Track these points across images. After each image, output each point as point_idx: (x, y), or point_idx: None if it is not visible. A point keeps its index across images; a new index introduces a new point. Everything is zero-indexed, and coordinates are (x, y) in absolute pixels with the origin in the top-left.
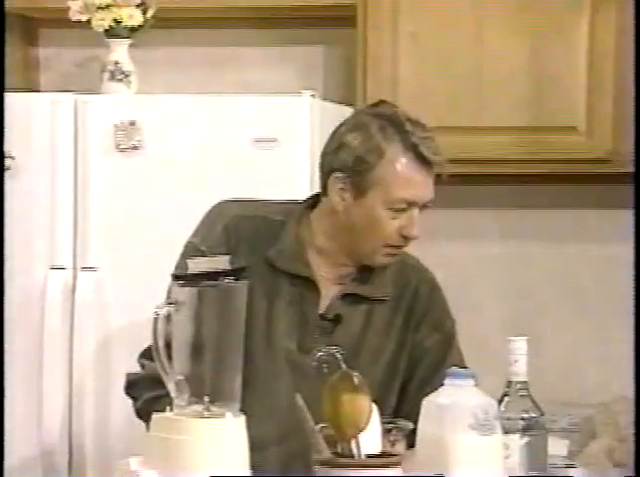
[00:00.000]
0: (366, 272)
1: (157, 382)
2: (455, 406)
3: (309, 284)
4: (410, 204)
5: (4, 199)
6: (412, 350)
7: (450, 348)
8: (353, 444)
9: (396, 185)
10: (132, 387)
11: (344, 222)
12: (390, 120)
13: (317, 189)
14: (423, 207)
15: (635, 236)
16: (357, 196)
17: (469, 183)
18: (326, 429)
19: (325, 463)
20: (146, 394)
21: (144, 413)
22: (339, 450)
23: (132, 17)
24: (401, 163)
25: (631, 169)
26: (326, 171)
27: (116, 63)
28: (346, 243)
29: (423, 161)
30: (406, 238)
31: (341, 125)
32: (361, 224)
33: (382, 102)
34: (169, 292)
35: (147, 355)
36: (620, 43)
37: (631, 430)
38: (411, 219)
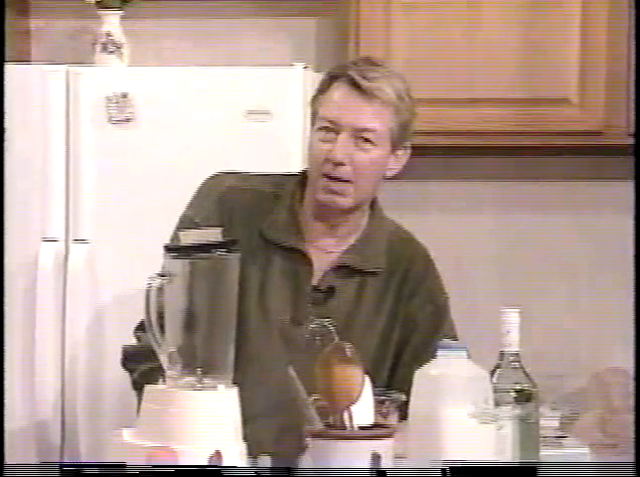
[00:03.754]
0: (359, 244)
1: (153, 354)
2: (447, 378)
3: (302, 257)
4: (338, 127)
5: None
6: (405, 322)
7: (443, 320)
8: (345, 416)
9: (323, 106)
10: (128, 359)
11: None
12: (343, 63)
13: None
14: (359, 137)
15: (635, 210)
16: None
17: (462, 155)
18: (318, 401)
19: (317, 435)
20: (142, 366)
21: (140, 386)
22: (331, 422)
23: None
24: (336, 90)
25: (623, 141)
26: None
27: (108, 34)
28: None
29: (358, 88)
30: (335, 165)
31: None
32: (307, 157)
33: None
34: (164, 266)
35: (143, 327)
36: (613, 14)
37: (623, 402)
38: (336, 141)
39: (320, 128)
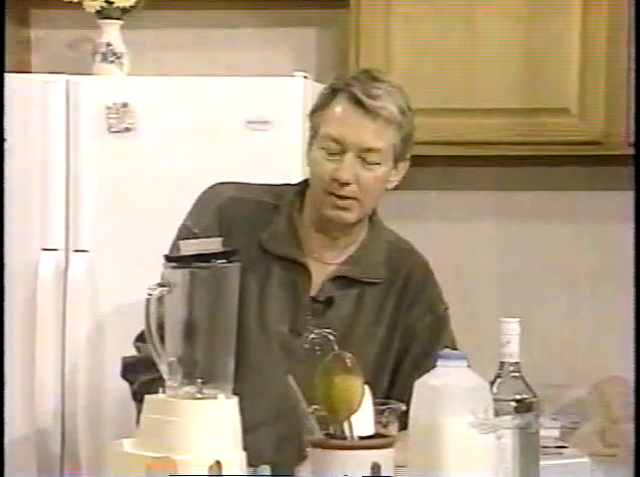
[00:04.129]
0: (357, 255)
1: (153, 364)
2: (448, 388)
3: (300, 267)
4: (343, 146)
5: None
6: (404, 332)
7: (442, 330)
8: (345, 426)
9: (327, 123)
10: (128, 370)
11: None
12: (344, 76)
13: (308, 170)
14: (365, 157)
15: (635, 221)
16: (311, 147)
17: (461, 165)
18: (318, 411)
19: (317, 444)
20: (142, 376)
21: (140, 397)
22: (331, 432)
23: None
24: (338, 106)
25: (623, 151)
26: None
27: (108, 44)
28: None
29: (362, 106)
30: (341, 184)
31: None
32: (310, 172)
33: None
34: (163, 275)
35: (142, 338)
36: (613, 23)
37: (623, 412)
38: (342, 161)
39: (324, 146)
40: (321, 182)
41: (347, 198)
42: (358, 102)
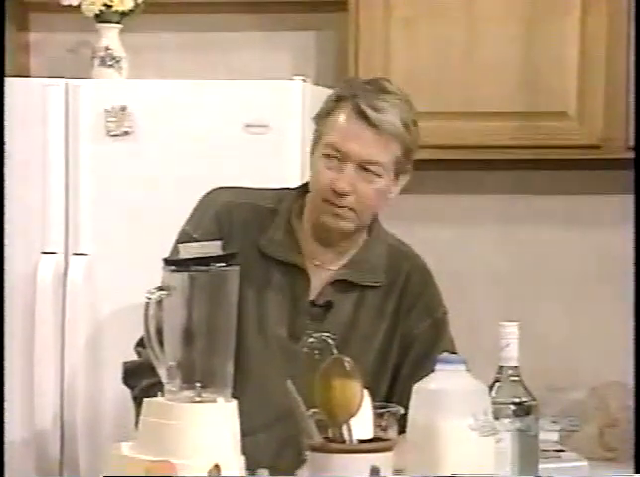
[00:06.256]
0: (357, 259)
1: (153, 369)
2: (447, 392)
3: (299, 272)
4: (343, 156)
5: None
6: (403, 336)
7: (441, 334)
8: (344, 430)
9: (329, 132)
10: (129, 375)
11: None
12: (351, 84)
13: (308, 174)
14: (365, 168)
15: (635, 224)
16: (313, 152)
17: (461, 168)
18: (317, 415)
19: (316, 449)
20: (143, 381)
21: (141, 401)
22: (330, 436)
23: (123, 1)
24: (342, 116)
25: (623, 155)
26: None
27: (107, 48)
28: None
29: (365, 118)
30: (339, 194)
31: None
32: (310, 178)
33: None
34: (163, 279)
35: (143, 343)
36: (612, 27)
37: (622, 415)
38: (342, 171)
39: (325, 154)
40: (320, 190)
41: (344, 206)
42: (361, 114)
